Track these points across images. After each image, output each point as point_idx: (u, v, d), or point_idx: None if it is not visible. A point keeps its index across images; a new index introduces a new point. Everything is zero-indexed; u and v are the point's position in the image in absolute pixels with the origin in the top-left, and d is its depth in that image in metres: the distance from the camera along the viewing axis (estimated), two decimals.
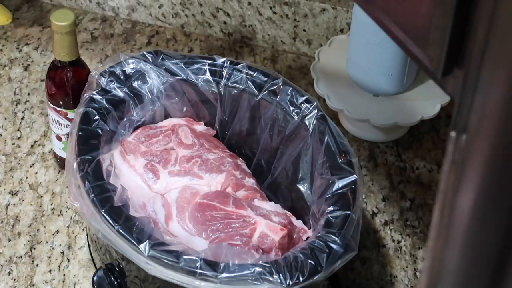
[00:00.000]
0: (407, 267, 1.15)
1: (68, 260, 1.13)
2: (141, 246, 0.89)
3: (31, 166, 1.25)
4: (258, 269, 0.88)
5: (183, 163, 1.07)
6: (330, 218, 0.95)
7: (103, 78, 1.08)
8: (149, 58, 1.12)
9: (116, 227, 0.91)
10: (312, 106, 1.07)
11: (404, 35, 0.56)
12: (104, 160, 1.01)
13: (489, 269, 0.50)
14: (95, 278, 0.99)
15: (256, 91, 1.10)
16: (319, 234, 0.94)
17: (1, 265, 1.12)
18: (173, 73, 1.11)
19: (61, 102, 1.15)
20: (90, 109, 1.04)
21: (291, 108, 1.08)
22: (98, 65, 1.15)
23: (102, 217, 0.93)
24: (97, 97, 1.06)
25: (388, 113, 1.26)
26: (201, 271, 0.88)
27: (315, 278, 0.89)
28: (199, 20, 1.47)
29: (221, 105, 1.13)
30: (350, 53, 1.29)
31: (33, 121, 1.31)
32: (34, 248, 1.14)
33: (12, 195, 1.20)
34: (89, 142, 1.01)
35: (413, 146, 1.31)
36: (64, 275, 1.11)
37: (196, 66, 1.12)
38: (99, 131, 1.03)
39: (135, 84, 1.10)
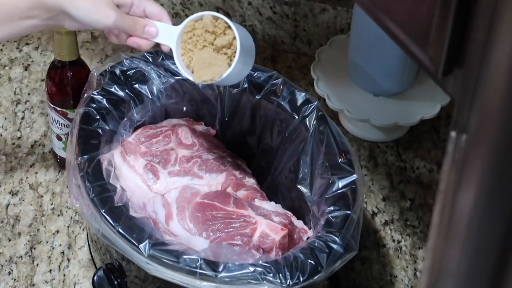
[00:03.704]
0: (407, 267, 1.15)
1: (68, 260, 1.13)
2: (141, 246, 0.89)
3: (31, 166, 1.25)
4: (258, 269, 0.88)
5: (183, 163, 1.08)
6: (330, 218, 0.95)
7: (103, 78, 1.08)
8: (149, 58, 1.12)
9: (116, 227, 0.91)
10: (312, 106, 1.08)
11: (404, 35, 0.56)
12: (104, 160, 1.01)
13: (489, 269, 0.50)
14: (95, 278, 0.99)
15: (256, 91, 1.11)
16: (319, 234, 0.94)
17: (1, 265, 1.12)
18: (173, 73, 1.11)
19: (61, 102, 1.16)
20: (90, 109, 1.04)
21: (291, 108, 1.08)
22: (98, 65, 1.15)
23: (102, 217, 0.93)
24: (97, 97, 1.06)
25: (388, 113, 1.26)
26: (201, 271, 0.88)
27: (315, 278, 0.89)
28: None
29: (221, 105, 1.13)
30: (350, 53, 1.29)
31: (33, 121, 1.31)
32: (34, 248, 1.14)
33: (12, 195, 1.20)
34: (89, 142, 1.01)
35: (413, 146, 1.31)
36: (64, 275, 1.11)
37: None
38: (99, 131, 1.03)
39: (135, 84, 1.10)
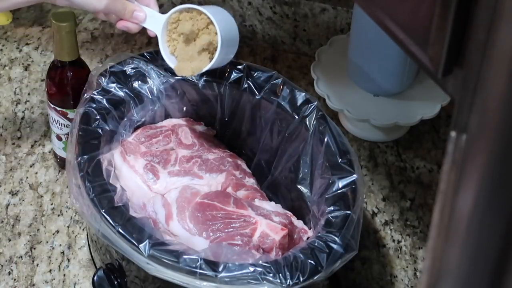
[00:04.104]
0: (407, 267, 1.15)
1: (68, 260, 1.13)
2: (141, 246, 0.89)
3: (31, 166, 1.25)
4: (258, 269, 0.88)
5: (183, 163, 1.08)
6: (330, 218, 0.95)
7: (103, 78, 1.08)
8: (149, 58, 1.12)
9: (116, 227, 0.91)
10: (312, 106, 1.07)
11: (404, 35, 0.56)
12: (104, 160, 1.01)
13: (489, 269, 0.50)
14: (95, 278, 0.99)
15: (256, 91, 1.11)
16: (319, 234, 0.94)
17: (1, 265, 1.12)
18: (173, 73, 1.11)
19: (61, 102, 1.16)
20: (90, 109, 1.04)
21: (291, 108, 1.08)
22: (98, 65, 1.15)
23: (102, 217, 0.92)
24: (97, 97, 1.06)
25: (388, 113, 1.26)
26: (201, 271, 0.88)
27: (315, 278, 0.89)
28: None
29: (221, 105, 1.13)
30: (350, 53, 1.29)
31: (33, 121, 1.31)
32: (34, 248, 1.14)
33: (12, 195, 1.20)
34: (89, 142, 1.01)
35: (413, 146, 1.31)
36: (64, 275, 1.11)
37: None
38: (99, 131, 1.03)
39: (135, 84, 1.10)
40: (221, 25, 1.01)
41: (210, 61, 1.01)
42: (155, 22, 1.05)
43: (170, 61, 1.04)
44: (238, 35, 1.05)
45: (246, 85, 1.11)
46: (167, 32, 1.04)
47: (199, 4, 1.45)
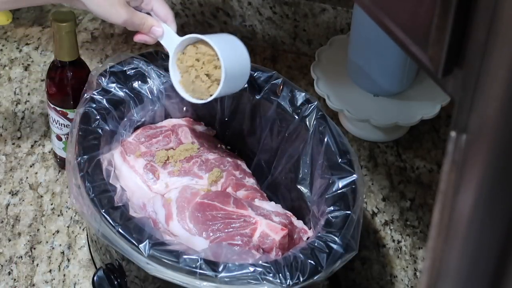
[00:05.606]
0: (407, 267, 1.15)
1: (68, 260, 1.13)
2: (141, 246, 0.89)
3: (31, 166, 1.25)
4: (258, 269, 0.88)
5: (183, 163, 1.08)
6: (330, 218, 0.95)
7: (103, 78, 1.08)
8: (149, 58, 1.12)
9: (116, 227, 0.91)
10: (312, 106, 1.07)
11: (404, 35, 0.56)
12: (104, 160, 1.01)
13: (489, 269, 0.50)
14: (95, 278, 0.99)
15: (256, 91, 1.11)
16: (319, 234, 0.94)
17: (1, 265, 1.12)
18: None
19: (61, 102, 1.16)
20: (90, 109, 1.04)
21: (291, 108, 1.08)
22: (98, 65, 1.15)
23: (102, 217, 0.92)
24: (97, 97, 1.06)
25: (388, 113, 1.26)
26: (201, 271, 0.88)
27: (315, 278, 0.89)
28: (199, 20, 1.47)
29: (221, 105, 1.13)
30: (350, 53, 1.29)
31: (33, 121, 1.31)
32: (34, 248, 1.14)
33: (12, 195, 1.20)
34: (89, 142, 1.01)
35: (413, 146, 1.31)
36: (64, 275, 1.11)
37: None
38: (99, 131, 1.03)
39: (135, 84, 1.10)
40: (229, 62, 0.99)
41: (211, 96, 1.00)
42: (170, 41, 1.05)
43: (178, 85, 1.04)
44: (248, 70, 1.04)
45: (246, 85, 1.11)
46: (178, 54, 1.04)
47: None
